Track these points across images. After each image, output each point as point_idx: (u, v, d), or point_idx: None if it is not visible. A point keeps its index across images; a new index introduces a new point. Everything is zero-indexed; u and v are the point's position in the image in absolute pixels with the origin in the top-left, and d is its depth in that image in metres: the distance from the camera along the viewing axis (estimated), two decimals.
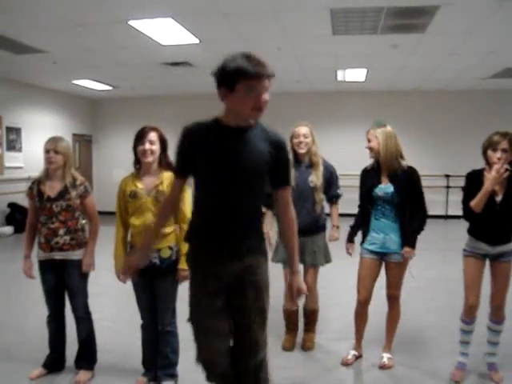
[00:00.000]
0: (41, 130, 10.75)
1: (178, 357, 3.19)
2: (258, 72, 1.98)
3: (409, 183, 3.38)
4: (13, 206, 9.92)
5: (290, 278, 2.38)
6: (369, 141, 3.50)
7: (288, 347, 3.86)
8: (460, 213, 3.28)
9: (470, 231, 3.29)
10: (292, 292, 2.37)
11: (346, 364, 3.58)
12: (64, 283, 3.29)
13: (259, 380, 2.29)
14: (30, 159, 10.17)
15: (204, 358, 2.28)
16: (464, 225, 3.33)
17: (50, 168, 3.24)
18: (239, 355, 2.26)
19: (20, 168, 10.23)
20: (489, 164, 3.14)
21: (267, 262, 2.32)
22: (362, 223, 3.60)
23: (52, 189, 3.21)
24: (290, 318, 3.93)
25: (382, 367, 3.49)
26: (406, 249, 3.37)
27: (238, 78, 1.98)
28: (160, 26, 6.31)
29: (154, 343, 3.16)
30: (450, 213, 11.42)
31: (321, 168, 3.74)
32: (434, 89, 11.48)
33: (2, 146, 9.94)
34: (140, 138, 3.02)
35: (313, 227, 3.72)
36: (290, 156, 2.38)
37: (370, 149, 3.50)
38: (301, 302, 3.76)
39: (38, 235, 3.28)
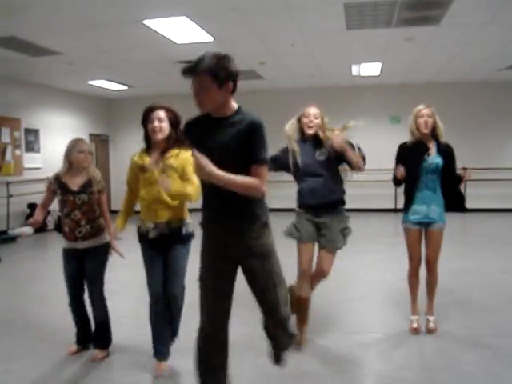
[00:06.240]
0: (58, 131, 10.89)
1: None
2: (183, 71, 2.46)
3: (449, 157, 3.69)
4: (32, 207, 10.02)
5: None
6: (429, 116, 3.67)
7: (303, 343, 3.57)
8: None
9: None
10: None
11: (415, 332, 3.73)
12: (84, 271, 3.44)
13: (285, 330, 2.56)
14: (48, 160, 10.30)
15: (206, 317, 2.41)
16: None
17: (83, 167, 3.44)
18: (263, 313, 2.50)
19: (39, 169, 10.37)
20: None
21: (270, 233, 2.45)
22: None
23: (75, 183, 3.40)
24: (302, 306, 3.57)
25: (432, 331, 3.69)
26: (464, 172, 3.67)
27: None
28: (174, 24, 6.35)
29: (163, 318, 3.18)
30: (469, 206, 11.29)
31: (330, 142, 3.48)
32: (449, 81, 11.34)
33: (21, 148, 10.09)
34: (148, 115, 3.17)
35: (329, 198, 3.44)
36: (267, 136, 2.35)
37: (426, 123, 3.67)
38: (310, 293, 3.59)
39: (62, 225, 3.47)
